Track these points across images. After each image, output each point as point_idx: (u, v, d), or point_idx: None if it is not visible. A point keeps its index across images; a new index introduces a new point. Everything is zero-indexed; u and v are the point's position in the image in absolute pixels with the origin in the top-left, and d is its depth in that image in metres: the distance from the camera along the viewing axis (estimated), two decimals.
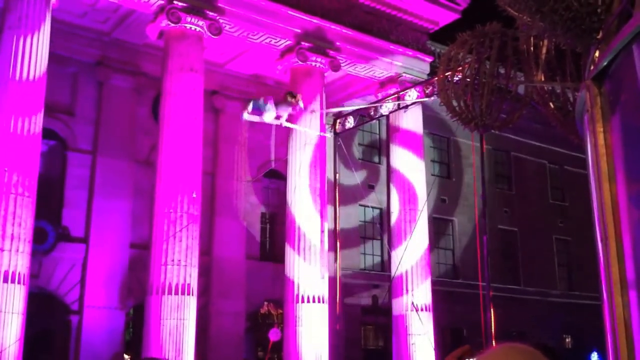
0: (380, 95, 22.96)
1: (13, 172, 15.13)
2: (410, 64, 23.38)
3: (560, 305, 32.17)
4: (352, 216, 26.21)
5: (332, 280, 20.97)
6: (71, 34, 20.77)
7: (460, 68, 11.68)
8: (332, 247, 21.41)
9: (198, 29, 18.80)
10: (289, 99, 16.74)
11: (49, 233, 19.69)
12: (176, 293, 16.91)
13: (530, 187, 33.71)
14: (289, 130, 20.80)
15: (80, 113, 21.51)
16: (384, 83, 23.42)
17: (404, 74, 23.08)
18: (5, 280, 14.60)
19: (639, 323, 4.28)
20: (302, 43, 20.95)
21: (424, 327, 20.97)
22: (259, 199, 24.95)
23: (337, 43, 21.72)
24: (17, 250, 14.85)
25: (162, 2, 18.46)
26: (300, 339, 19.17)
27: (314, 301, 19.44)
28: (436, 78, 15.42)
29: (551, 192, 34.80)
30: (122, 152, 21.57)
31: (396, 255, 21.74)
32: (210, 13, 19.06)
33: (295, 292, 19.49)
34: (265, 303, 24.50)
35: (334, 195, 21.76)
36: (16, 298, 14.71)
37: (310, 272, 19.64)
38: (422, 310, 21.23)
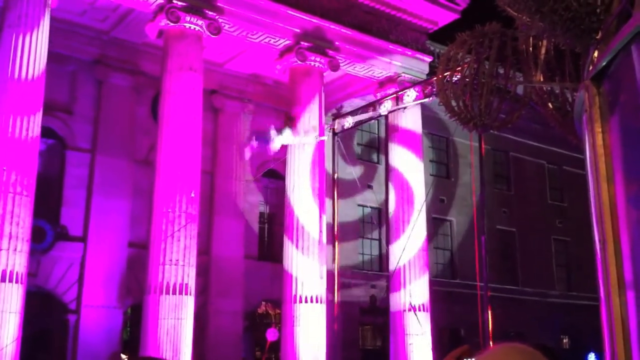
0: (379, 95, 22.94)
1: (11, 171, 15.11)
2: (409, 64, 23.37)
3: (558, 305, 32.17)
4: (350, 216, 26.19)
5: (330, 281, 20.95)
6: (70, 33, 20.76)
7: (459, 68, 11.67)
8: (331, 246, 21.40)
9: (197, 28, 18.79)
10: (288, 123, 17.98)
11: (47, 232, 19.67)
12: (174, 292, 16.90)
13: (529, 187, 33.71)
14: None
15: (79, 112, 21.49)
16: (383, 83, 23.41)
17: (403, 74, 23.07)
18: (3, 280, 14.58)
19: (636, 324, 4.27)
20: (302, 43, 20.94)
21: (422, 327, 20.97)
22: (257, 198, 24.95)
23: (337, 43, 21.71)
24: (15, 250, 14.84)
25: (162, 1, 18.45)
26: (298, 339, 19.17)
27: (311, 301, 19.43)
28: (435, 78, 15.43)
29: (550, 193, 34.81)
30: (121, 151, 21.55)
31: (394, 249, 21.77)
32: (210, 12, 19.05)
33: (293, 292, 19.48)
34: (263, 303, 24.50)
35: (333, 194, 21.77)
36: (14, 297, 14.69)
37: (308, 266, 19.62)
38: (420, 310, 21.22)
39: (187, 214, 17.47)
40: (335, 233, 21.58)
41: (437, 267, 28.27)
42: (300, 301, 19.39)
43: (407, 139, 22.68)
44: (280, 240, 21.08)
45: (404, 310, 21.26)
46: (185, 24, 18.58)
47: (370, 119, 22.34)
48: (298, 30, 20.91)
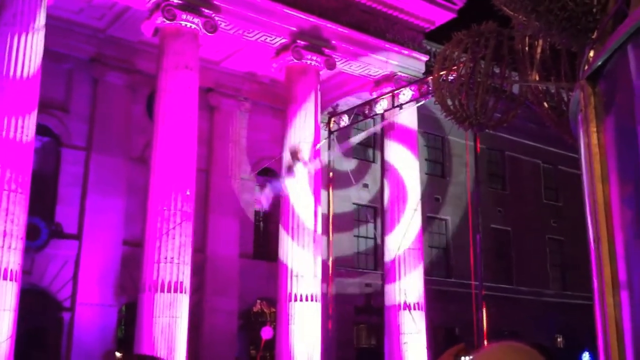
0: (375, 94, 22.95)
1: (6, 169, 15.07)
2: (405, 63, 23.38)
3: (552, 305, 32.23)
4: (346, 216, 26.20)
5: (324, 273, 20.97)
6: (67, 31, 20.71)
7: (455, 67, 11.67)
8: (327, 250, 21.42)
9: (193, 26, 18.77)
10: (298, 156, 19.07)
11: (41, 230, 19.63)
12: (169, 291, 16.89)
13: (524, 186, 33.76)
14: (284, 129, 20.88)
15: (75, 110, 21.45)
16: (380, 82, 23.41)
17: (399, 73, 23.08)
18: None
19: (630, 323, 4.28)
20: (298, 41, 20.93)
21: (417, 326, 21.00)
22: (252, 197, 24.93)
23: (333, 41, 21.71)
24: (10, 247, 14.80)
25: None
26: (293, 338, 19.18)
27: (306, 300, 19.44)
28: (431, 77, 15.43)
29: (545, 192, 34.87)
30: (116, 149, 21.53)
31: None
32: (206, 10, 19.03)
33: (289, 290, 19.49)
34: (259, 301, 24.50)
35: (328, 192, 21.79)
36: (8, 295, 14.66)
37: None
38: (414, 309, 21.25)
39: (182, 212, 17.46)
40: (331, 227, 21.61)
41: (432, 266, 28.28)
42: (296, 299, 19.39)
43: (403, 135, 22.71)
44: (275, 239, 21.07)
45: (399, 306, 21.29)
46: (181, 22, 18.56)
47: (367, 117, 22.36)
48: (294, 29, 20.90)
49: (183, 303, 17.14)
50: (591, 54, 5.29)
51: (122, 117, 21.95)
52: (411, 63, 23.55)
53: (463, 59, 11.48)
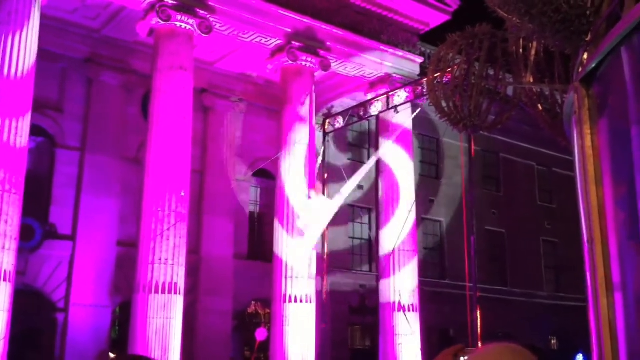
0: (370, 96, 22.97)
1: (0, 169, 15.03)
2: (400, 65, 23.41)
3: (546, 306, 32.29)
4: (341, 216, 26.18)
5: (319, 284, 20.97)
6: (61, 30, 20.68)
7: (450, 69, 11.70)
8: (322, 250, 21.42)
9: (188, 27, 18.76)
10: (314, 195, 20.06)
11: (36, 230, 19.59)
12: (163, 292, 16.87)
13: (518, 188, 33.81)
14: (278, 130, 20.91)
15: (69, 110, 21.42)
16: (374, 83, 23.44)
17: (394, 75, 23.11)
18: None
19: (624, 325, 4.29)
20: (293, 42, 20.93)
21: (411, 327, 21.04)
22: (247, 197, 24.93)
23: (328, 43, 21.72)
24: (4, 248, 14.76)
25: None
26: (287, 339, 19.16)
27: (301, 301, 19.44)
28: (425, 79, 15.45)
29: (539, 194, 34.94)
30: (110, 149, 21.49)
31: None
32: (201, 11, 19.02)
33: (283, 291, 19.48)
34: (253, 302, 24.48)
35: (323, 193, 21.79)
36: (2, 295, 14.61)
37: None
38: (409, 310, 21.29)
39: (176, 213, 17.44)
40: (325, 232, 21.61)
41: (426, 268, 28.30)
42: (290, 301, 19.38)
43: (398, 137, 22.73)
44: (270, 240, 21.06)
45: (394, 307, 21.32)
46: (176, 23, 18.54)
47: (361, 118, 22.40)
48: (289, 30, 20.90)
49: (177, 304, 17.11)
50: (585, 56, 5.31)
51: (117, 118, 21.92)
52: (406, 65, 23.57)
53: (457, 61, 11.51)
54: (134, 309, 17.17)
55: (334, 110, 24.41)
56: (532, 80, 8.25)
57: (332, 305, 22.24)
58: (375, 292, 22.58)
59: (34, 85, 16.12)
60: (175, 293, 17.07)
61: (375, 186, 24.30)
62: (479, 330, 15.95)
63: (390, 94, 21.05)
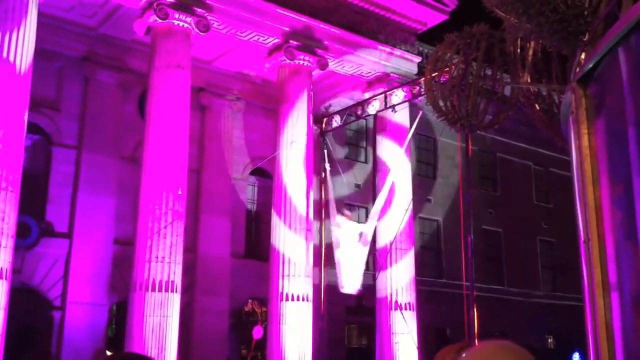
0: (368, 95, 22.97)
1: None
2: (398, 64, 23.42)
3: (543, 306, 32.34)
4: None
5: (316, 283, 20.97)
6: (58, 29, 20.63)
7: (447, 68, 11.71)
8: (319, 251, 21.42)
9: (186, 25, 18.74)
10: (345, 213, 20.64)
11: (32, 228, 19.57)
12: (160, 290, 16.86)
13: (515, 188, 33.85)
14: (275, 129, 20.91)
15: (66, 108, 21.38)
16: (372, 82, 23.44)
17: (391, 74, 23.11)
18: None
19: (620, 325, 4.30)
20: (290, 41, 20.93)
21: (408, 326, 21.04)
22: (244, 196, 24.92)
23: (325, 42, 21.72)
24: (0, 245, 14.74)
25: None
26: (284, 337, 19.17)
27: (298, 299, 19.44)
28: (423, 78, 15.45)
29: (536, 194, 34.98)
30: (107, 148, 21.47)
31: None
32: (199, 10, 19.00)
33: (280, 290, 19.48)
34: (250, 301, 24.47)
35: (321, 191, 21.81)
36: None
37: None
38: (405, 309, 21.30)
39: (173, 211, 17.43)
40: (323, 233, 21.62)
41: (423, 267, 28.31)
42: (287, 299, 19.38)
43: (395, 136, 22.74)
44: (267, 238, 21.05)
45: (390, 306, 21.34)
46: (173, 21, 18.52)
47: (359, 118, 22.40)
48: (287, 29, 20.89)
49: (174, 302, 17.11)
50: (582, 56, 5.32)
51: (114, 116, 21.89)
52: (403, 64, 23.58)
53: (455, 61, 11.52)
54: (131, 307, 17.16)
55: (332, 109, 24.41)
56: (529, 80, 8.26)
57: (329, 304, 22.21)
58: (372, 290, 22.58)
59: (31, 83, 16.09)
60: (172, 291, 17.06)
61: (372, 184, 24.31)
62: (475, 330, 15.94)
63: (388, 93, 21.04)
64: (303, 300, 19.56)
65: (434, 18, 24.25)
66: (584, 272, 4.75)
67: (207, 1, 19.18)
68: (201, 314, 22.45)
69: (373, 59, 22.87)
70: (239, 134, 24.93)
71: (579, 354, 30.23)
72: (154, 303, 16.77)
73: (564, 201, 30.29)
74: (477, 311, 16.12)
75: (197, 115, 23.29)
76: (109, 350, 20.88)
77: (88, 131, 21.42)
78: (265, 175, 24.22)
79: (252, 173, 25.07)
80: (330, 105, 25.20)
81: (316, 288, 20.68)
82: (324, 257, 21.28)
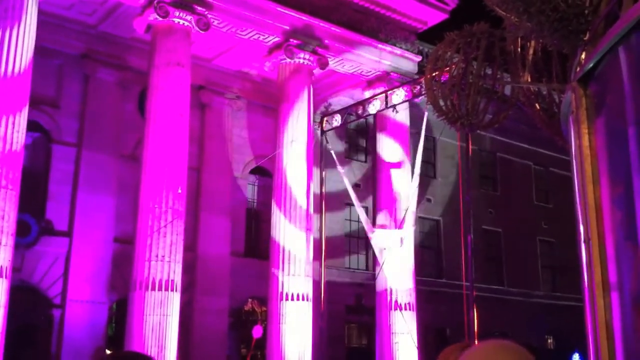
0: (368, 94, 22.97)
1: None
2: (398, 63, 23.41)
3: (543, 306, 32.32)
4: (338, 217, 26.19)
5: (316, 283, 20.95)
6: (58, 26, 20.62)
7: (447, 68, 11.69)
8: (319, 250, 21.39)
9: (186, 23, 18.72)
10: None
11: (32, 226, 19.56)
12: (160, 289, 16.85)
13: (515, 188, 33.82)
14: (276, 128, 20.91)
15: (66, 106, 21.37)
16: (372, 81, 23.43)
17: (392, 73, 23.10)
18: None
19: (620, 325, 4.29)
20: (291, 40, 20.91)
21: (408, 326, 21.03)
22: (244, 195, 24.91)
23: (326, 41, 21.70)
24: (0, 244, 14.73)
25: None
26: (284, 337, 19.16)
27: (298, 299, 19.43)
28: (423, 77, 15.43)
29: (536, 194, 34.95)
30: (107, 146, 21.46)
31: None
32: (199, 8, 18.99)
33: (280, 289, 19.47)
34: (250, 300, 24.46)
35: (321, 190, 21.79)
36: None
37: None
38: (405, 309, 21.29)
39: (173, 210, 17.42)
40: (323, 233, 21.60)
41: (423, 267, 28.29)
42: (287, 299, 19.38)
43: (396, 135, 22.73)
44: (267, 237, 21.04)
45: (390, 306, 21.32)
46: (174, 19, 18.51)
47: (359, 117, 22.37)
48: (287, 28, 20.88)
49: (174, 301, 17.10)
50: (583, 55, 5.30)
51: (113, 114, 21.88)
52: (404, 63, 23.57)
53: (455, 60, 11.50)
54: (131, 306, 17.16)
55: (332, 108, 24.41)
56: (529, 80, 8.24)
57: (329, 303, 22.21)
58: (372, 290, 22.58)
59: (30, 81, 16.08)
60: (172, 290, 17.06)
61: (372, 184, 24.32)
62: (475, 330, 15.94)
63: (389, 92, 21.02)
64: (303, 299, 19.55)
65: (434, 17, 24.25)
66: (584, 272, 4.73)
67: None
68: (201, 313, 22.45)
69: (373, 58, 22.86)
70: (239, 133, 24.92)
71: (579, 354, 30.21)
72: (154, 302, 16.76)
73: (564, 201, 30.27)
74: (477, 311, 16.11)
75: (197, 114, 23.28)
76: (108, 349, 20.87)
77: (88, 129, 21.41)
78: (265, 174, 24.21)
79: (252, 172, 25.06)
80: (330, 104, 25.19)
81: (316, 285, 20.66)
82: (324, 253, 21.22)
